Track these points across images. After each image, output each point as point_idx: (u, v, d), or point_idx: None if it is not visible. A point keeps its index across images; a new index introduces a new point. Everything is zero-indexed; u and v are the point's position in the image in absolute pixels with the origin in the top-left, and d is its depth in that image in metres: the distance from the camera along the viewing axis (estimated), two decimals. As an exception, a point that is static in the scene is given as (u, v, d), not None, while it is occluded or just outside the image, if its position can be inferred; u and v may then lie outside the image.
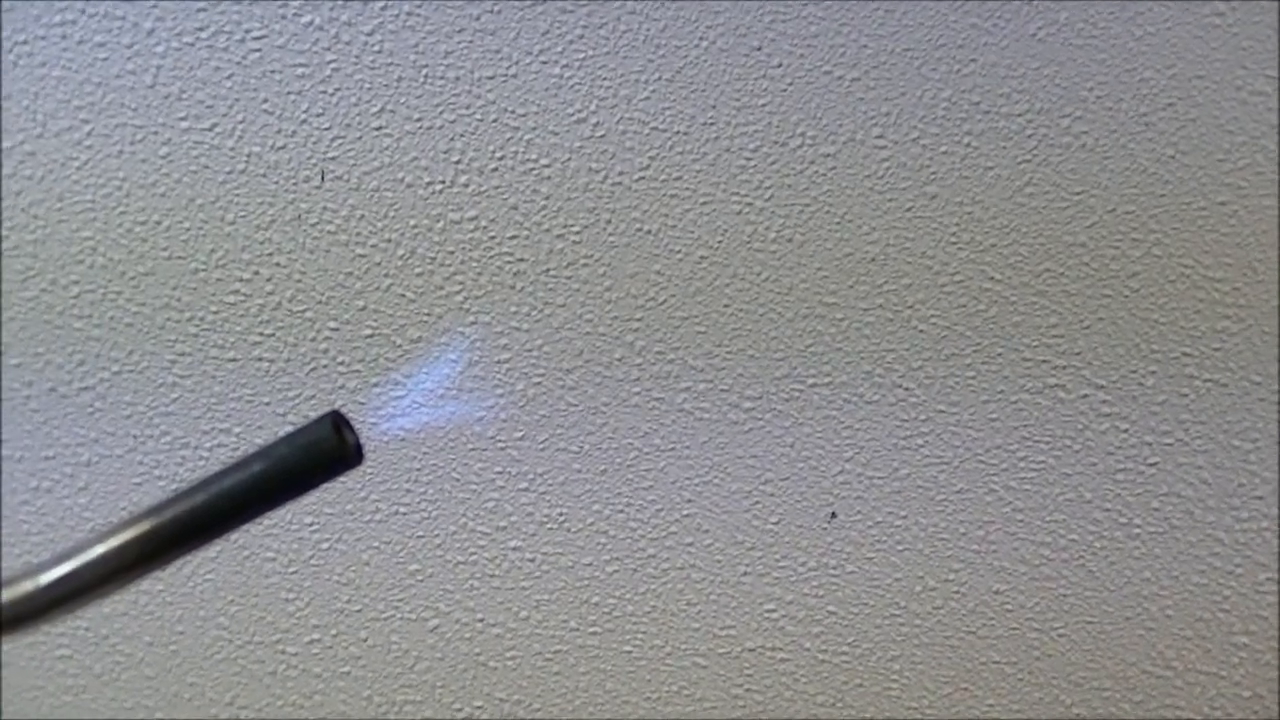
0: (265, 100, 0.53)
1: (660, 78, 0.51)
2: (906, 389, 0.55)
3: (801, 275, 0.53)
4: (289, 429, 0.24)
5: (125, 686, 0.58)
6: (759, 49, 0.50)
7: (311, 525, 0.58)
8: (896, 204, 0.52)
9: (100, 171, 0.52)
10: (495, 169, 0.52)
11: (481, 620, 0.59)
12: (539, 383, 0.54)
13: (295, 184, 0.53)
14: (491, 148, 0.52)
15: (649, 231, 0.53)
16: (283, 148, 0.53)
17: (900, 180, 0.52)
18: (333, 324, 0.55)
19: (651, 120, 0.51)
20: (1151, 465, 0.55)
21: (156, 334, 0.55)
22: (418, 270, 0.54)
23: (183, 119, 0.53)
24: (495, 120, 0.52)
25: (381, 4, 0.51)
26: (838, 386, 0.55)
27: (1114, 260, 0.53)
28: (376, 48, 0.51)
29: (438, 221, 0.53)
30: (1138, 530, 0.56)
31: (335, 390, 0.55)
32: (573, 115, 0.52)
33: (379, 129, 0.53)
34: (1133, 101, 0.51)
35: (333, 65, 0.51)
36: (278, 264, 0.54)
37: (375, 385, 0.54)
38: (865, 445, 0.56)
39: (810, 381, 0.55)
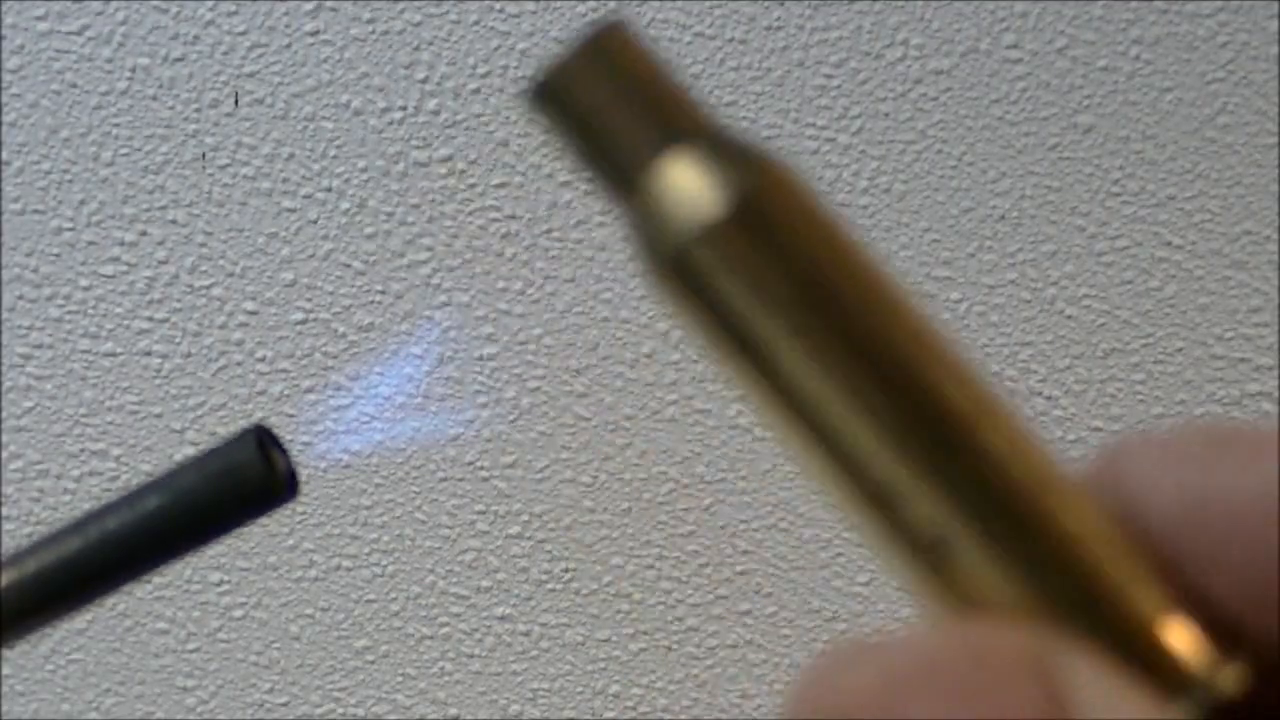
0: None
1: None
2: (1049, 398, 0.53)
3: (902, 238, 0.52)
4: (192, 450, 0.24)
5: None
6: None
7: (220, 585, 0.56)
8: (1036, 139, 0.51)
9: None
10: (476, 90, 0.50)
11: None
12: (537, 388, 0.53)
13: (198, 110, 0.51)
14: (471, 60, 0.50)
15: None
16: (180, 59, 0.50)
17: (1041, 106, 0.50)
18: (250, 305, 0.53)
19: (694, 22, 0.50)
20: None
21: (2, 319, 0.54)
22: (368, 230, 0.52)
23: (39, 18, 0.50)
24: (476, 22, 0.50)
25: None
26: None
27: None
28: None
29: (396, 163, 0.51)
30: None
31: (255, 398, 0.53)
32: (583, 12, 0.50)
33: (314, 34, 0.50)
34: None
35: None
36: (173, 221, 0.52)
37: (310, 391, 0.53)
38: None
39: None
